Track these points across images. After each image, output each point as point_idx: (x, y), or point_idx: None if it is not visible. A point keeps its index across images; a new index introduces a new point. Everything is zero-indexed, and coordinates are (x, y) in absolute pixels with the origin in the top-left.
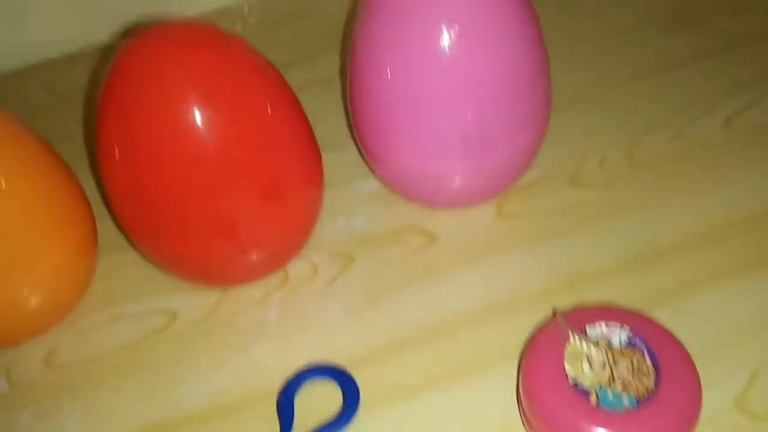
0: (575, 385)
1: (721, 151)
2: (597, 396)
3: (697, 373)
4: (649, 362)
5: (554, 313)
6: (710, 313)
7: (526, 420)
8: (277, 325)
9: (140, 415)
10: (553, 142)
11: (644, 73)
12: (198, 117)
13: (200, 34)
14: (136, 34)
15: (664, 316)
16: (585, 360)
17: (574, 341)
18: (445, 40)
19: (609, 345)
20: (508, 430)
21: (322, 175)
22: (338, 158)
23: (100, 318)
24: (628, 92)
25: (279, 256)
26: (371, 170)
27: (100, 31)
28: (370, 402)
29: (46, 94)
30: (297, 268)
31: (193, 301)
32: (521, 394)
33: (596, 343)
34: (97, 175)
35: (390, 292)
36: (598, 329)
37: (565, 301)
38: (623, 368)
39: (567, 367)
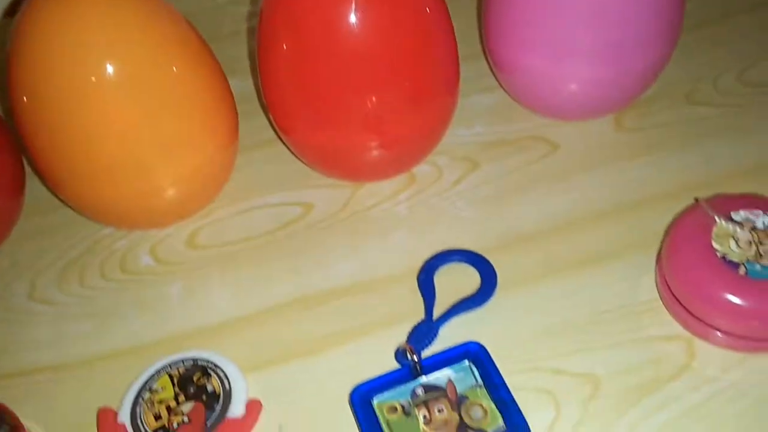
0: (723, 258)
1: None
2: (746, 268)
3: None
4: None
5: (696, 200)
6: None
7: (669, 300)
8: (408, 218)
9: (287, 289)
10: (672, 61)
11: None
12: (358, 19)
13: None
14: None
15: None
16: (731, 240)
17: (720, 223)
18: None
19: (754, 227)
20: (643, 313)
21: (458, 83)
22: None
23: (239, 207)
24: (749, 20)
25: (412, 155)
26: (495, 83)
27: None
28: (504, 284)
29: None
30: (423, 170)
31: (327, 195)
32: (667, 273)
33: (741, 225)
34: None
35: (515, 192)
36: (742, 214)
37: (689, 203)
38: None
39: (715, 245)
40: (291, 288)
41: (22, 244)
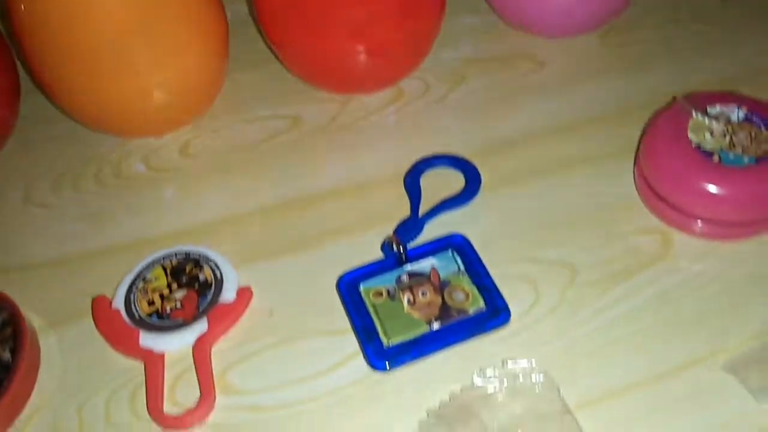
0: (698, 147)
1: None
2: (719, 157)
3: None
4: (766, 132)
5: (674, 98)
6: None
7: (646, 193)
8: (396, 129)
9: (277, 193)
10: None
11: None
12: None
13: None
14: None
15: None
16: (706, 132)
17: (696, 117)
18: None
19: (728, 120)
20: (622, 210)
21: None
22: None
23: (231, 120)
24: None
25: (400, 65)
26: (482, 3)
27: None
28: (488, 185)
29: None
30: (411, 85)
31: (317, 109)
32: (644, 165)
33: (716, 118)
34: None
35: (501, 103)
36: (717, 108)
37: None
38: (742, 136)
39: (690, 136)
40: (281, 191)
41: (17, 155)
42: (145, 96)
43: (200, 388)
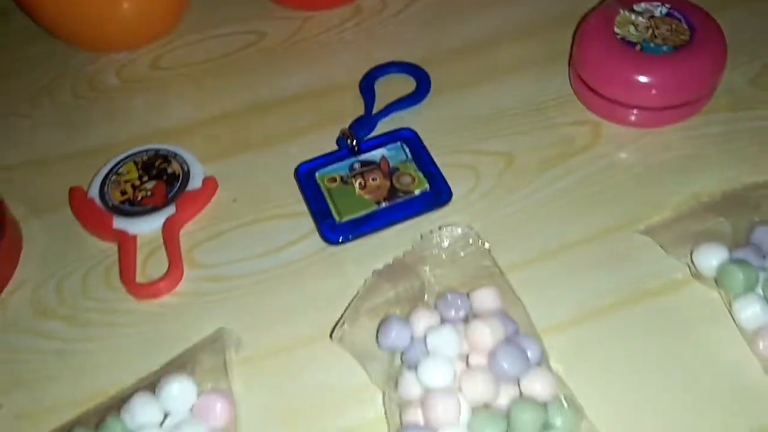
0: (623, 39)
1: None
2: (641, 46)
3: (723, 34)
4: (685, 26)
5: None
6: None
7: (578, 87)
8: (354, 42)
9: (241, 99)
10: None
11: None
12: None
13: None
14: None
15: None
16: (631, 26)
17: (623, 13)
18: None
19: (652, 15)
20: (557, 107)
21: None
22: None
23: (198, 36)
24: None
25: None
26: None
27: None
28: (436, 89)
29: None
30: (368, 3)
31: (279, 25)
32: (576, 59)
33: (641, 14)
34: None
35: (453, 16)
36: (642, 5)
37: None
38: (663, 29)
39: (616, 30)
40: (245, 98)
41: None
42: (116, 7)
43: (169, 262)
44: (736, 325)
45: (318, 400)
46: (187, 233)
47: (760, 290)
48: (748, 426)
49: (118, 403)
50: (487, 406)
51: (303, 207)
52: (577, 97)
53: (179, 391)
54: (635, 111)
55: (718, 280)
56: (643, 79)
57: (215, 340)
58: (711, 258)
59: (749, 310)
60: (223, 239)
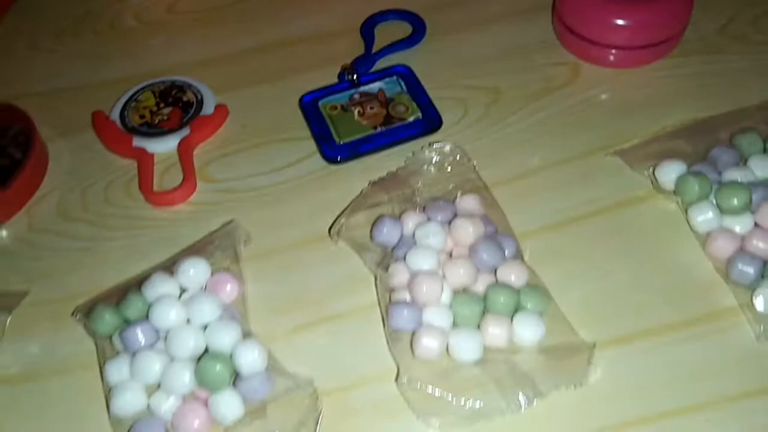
0: None
1: None
2: None
3: None
4: None
5: None
6: None
7: (561, 31)
8: None
9: (251, 39)
10: None
11: None
12: None
13: None
14: None
15: None
16: None
17: None
18: None
19: None
20: (540, 50)
21: None
22: None
23: None
24: None
25: None
26: None
27: None
28: (432, 34)
29: None
30: None
31: None
32: (558, 4)
33: None
34: None
35: None
36: None
37: None
38: None
39: None
40: (253, 39)
41: (23, 12)
42: None
43: (184, 175)
44: (692, 231)
45: (318, 288)
46: (199, 153)
47: (713, 199)
48: (702, 311)
49: (137, 283)
50: (466, 291)
51: (305, 133)
52: (559, 42)
53: (194, 269)
54: (613, 51)
55: (677, 190)
56: (619, 21)
57: (227, 231)
58: (671, 172)
59: (702, 216)
60: (233, 159)
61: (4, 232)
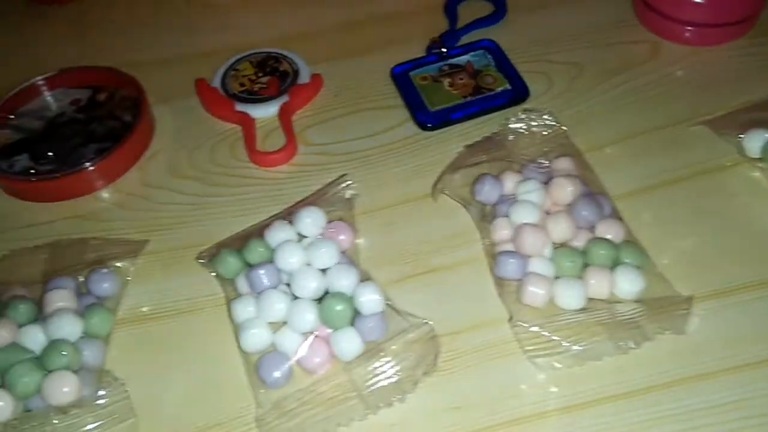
0: None
1: None
2: None
3: None
4: None
5: None
6: None
7: (641, 11)
8: None
9: (342, 15)
10: None
11: None
12: None
13: None
14: None
15: None
16: None
17: None
18: None
19: None
20: (620, 28)
21: None
22: None
23: None
24: None
25: None
26: None
27: None
28: (513, 12)
29: None
30: None
31: None
32: None
33: None
34: None
35: None
36: None
37: None
38: None
39: None
40: (344, 15)
41: None
42: None
43: (286, 138)
44: None
45: (424, 241)
46: (297, 119)
47: None
48: None
49: (256, 231)
50: (565, 245)
51: (397, 101)
52: (638, 21)
53: (311, 218)
54: (689, 28)
55: (763, 157)
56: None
57: (338, 184)
58: (757, 140)
59: None
60: (330, 124)
61: (120, 188)
